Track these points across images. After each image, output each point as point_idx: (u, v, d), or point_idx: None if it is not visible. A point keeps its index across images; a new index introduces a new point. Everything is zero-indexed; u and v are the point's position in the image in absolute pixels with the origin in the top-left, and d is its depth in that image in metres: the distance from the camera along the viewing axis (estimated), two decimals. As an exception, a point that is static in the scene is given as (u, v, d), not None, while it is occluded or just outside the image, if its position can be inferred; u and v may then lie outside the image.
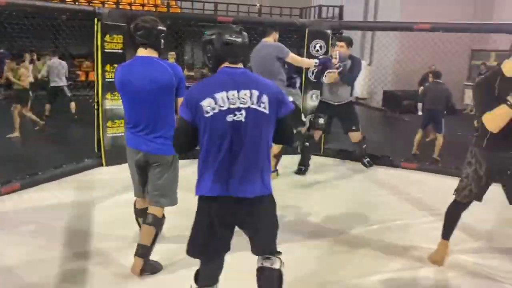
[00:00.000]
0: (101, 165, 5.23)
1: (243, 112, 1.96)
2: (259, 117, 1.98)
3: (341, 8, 13.68)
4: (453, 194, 3.01)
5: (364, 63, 12.68)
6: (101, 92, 5.12)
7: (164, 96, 2.73)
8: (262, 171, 2.04)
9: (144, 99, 2.71)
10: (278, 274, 2.12)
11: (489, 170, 2.80)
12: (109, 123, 5.20)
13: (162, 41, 2.79)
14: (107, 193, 4.41)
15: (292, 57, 4.57)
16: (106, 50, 5.01)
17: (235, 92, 1.97)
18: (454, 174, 5.37)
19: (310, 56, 5.74)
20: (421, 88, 11.42)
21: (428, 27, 5.15)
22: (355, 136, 5.31)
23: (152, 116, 2.74)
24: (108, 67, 5.08)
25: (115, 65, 5.01)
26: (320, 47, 5.74)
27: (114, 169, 5.07)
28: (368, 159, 5.60)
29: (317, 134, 5.41)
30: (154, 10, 13.78)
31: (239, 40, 2.03)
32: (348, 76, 4.99)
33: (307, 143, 5.33)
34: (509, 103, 2.53)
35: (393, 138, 8.17)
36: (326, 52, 5.71)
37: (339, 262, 3.19)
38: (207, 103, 1.95)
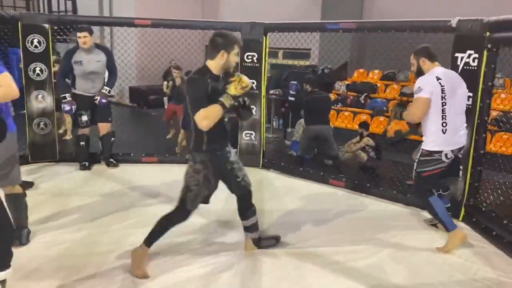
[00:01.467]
0: None
1: None
2: None
3: (73, 1, 12.84)
4: (182, 205, 2.90)
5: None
6: None
7: None
8: None
9: None
10: None
11: (216, 171, 2.91)
12: None
13: None
14: None
15: None
16: None
17: None
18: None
19: (27, 52, 5.17)
20: (165, 82, 11.91)
21: (149, 22, 5.30)
22: (105, 127, 5.31)
23: None
24: None
25: None
26: (39, 42, 5.19)
27: None
28: (112, 159, 5.51)
29: (86, 131, 5.28)
30: None
31: None
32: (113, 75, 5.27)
33: (82, 143, 5.26)
34: (220, 102, 2.68)
35: (140, 134, 8.17)
36: (47, 48, 5.22)
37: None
38: None
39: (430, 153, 3.37)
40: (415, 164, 3.48)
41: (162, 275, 2.94)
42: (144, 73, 12.29)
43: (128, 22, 5.65)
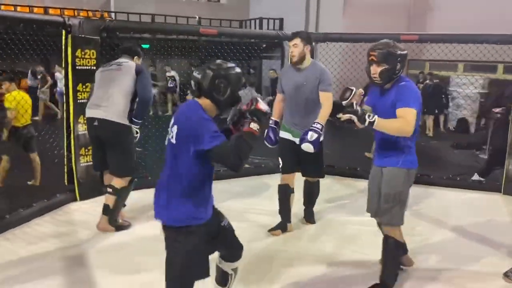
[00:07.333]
0: (75, 199, 4.48)
1: (168, 138, 2.12)
2: (170, 144, 2.09)
3: (281, 20, 13.72)
4: None
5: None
6: (72, 115, 4.39)
7: None
8: (176, 198, 2.03)
9: None
10: None
11: None
12: (82, 151, 4.48)
13: None
14: (91, 232, 3.79)
15: None
16: (77, 67, 4.32)
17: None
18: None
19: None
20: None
21: (416, 38, 5.22)
22: None
23: None
24: (80, 87, 4.37)
25: (88, 84, 4.39)
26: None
27: (90, 204, 4.41)
28: None
29: None
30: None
31: (195, 75, 2.09)
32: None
33: None
34: None
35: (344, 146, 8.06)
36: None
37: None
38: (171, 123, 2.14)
39: None
40: None
41: None
42: (341, 88, 12.40)
43: (394, 38, 5.62)
